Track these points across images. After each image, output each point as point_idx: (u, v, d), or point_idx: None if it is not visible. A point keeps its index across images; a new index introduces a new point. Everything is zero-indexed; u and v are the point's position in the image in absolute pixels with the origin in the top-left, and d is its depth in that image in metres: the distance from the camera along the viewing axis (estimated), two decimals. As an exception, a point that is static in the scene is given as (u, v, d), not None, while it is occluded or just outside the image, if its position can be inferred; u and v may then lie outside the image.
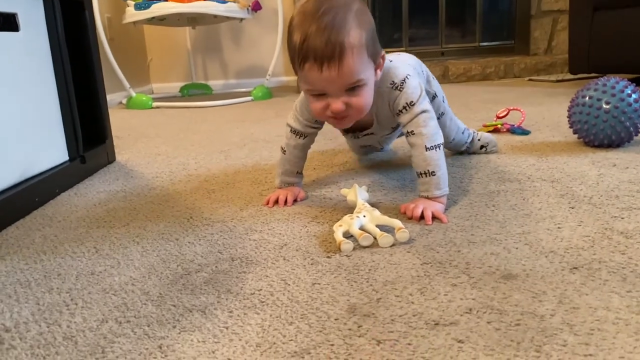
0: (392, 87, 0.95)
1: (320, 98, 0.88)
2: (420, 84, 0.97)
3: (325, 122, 1.00)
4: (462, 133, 1.24)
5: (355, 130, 1.07)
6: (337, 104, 0.86)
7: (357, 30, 0.82)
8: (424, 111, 0.94)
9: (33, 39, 1.15)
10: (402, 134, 1.05)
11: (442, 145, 0.94)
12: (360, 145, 1.23)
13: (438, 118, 1.12)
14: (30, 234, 0.94)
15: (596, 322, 0.55)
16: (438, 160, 0.93)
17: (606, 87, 1.24)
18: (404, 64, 1.00)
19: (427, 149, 0.92)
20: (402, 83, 0.95)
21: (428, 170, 0.92)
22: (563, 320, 0.56)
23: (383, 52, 0.92)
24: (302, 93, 1.01)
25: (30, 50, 1.14)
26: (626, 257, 0.69)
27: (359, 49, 0.83)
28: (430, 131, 0.93)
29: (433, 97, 1.11)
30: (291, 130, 1.06)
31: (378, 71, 0.92)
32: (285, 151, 1.07)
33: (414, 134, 0.94)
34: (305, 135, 1.05)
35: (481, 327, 0.56)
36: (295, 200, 1.04)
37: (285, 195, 1.03)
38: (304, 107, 1.03)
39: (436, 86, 1.15)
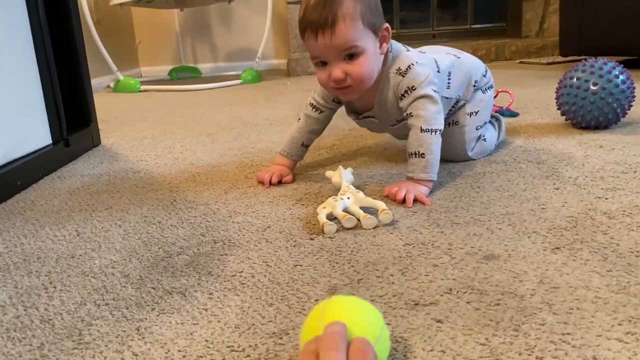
0: (397, 73, 0.97)
1: (323, 68, 0.93)
2: (429, 73, 0.97)
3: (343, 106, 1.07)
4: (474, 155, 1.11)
5: (356, 111, 1.07)
6: (336, 72, 0.90)
7: (351, 2, 0.88)
8: (424, 96, 0.95)
9: (12, 18, 1.13)
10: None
11: (439, 131, 0.94)
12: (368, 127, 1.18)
13: (448, 124, 1.07)
14: (11, 217, 0.93)
15: (575, 302, 0.55)
16: (431, 144, 0.92)
17: (594, 69, 1.24)
18: (417, 55, 1.00)
19: (422, 130, 0.93)
20: (407, 70, 0.96)
21: (418, 152, 0.92)
22: (543, 299, 0.56)
23: (386, 25, 0.94)
24: None
25: (9, 30, 1.12)
26: (608, 237, 0.69)
27: (352, 17, 0.88)
28: (428, 114, 0.93)
29: (456, 102, 1.08)
30: (311, 102, 1.09)
31: (384, 45, 0.94)
32: (299, 119, 1.10)
33: (412, 115, 0.95)
34: (322, 110, 1.08)
35: (461, 307, 0.55)
36: (280, 182, 1.03)
37: (271, 174, 1.03)
38: None
39: (474, 97, 1.09)
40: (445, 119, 1.06)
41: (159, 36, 3.61)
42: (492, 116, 1.23)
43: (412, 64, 0.97)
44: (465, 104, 1.09)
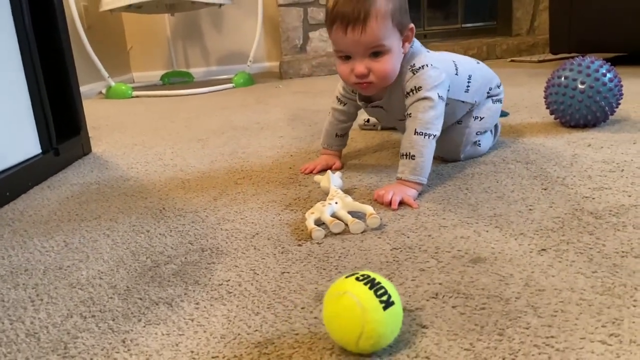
0: (410, 69, 0.98)
1: (346, 61, 0.95)
2: (442, 79, 0.97)
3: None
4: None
5: (367, 98, 1.08)
6: (360, 67, 0.93)
7: (383, 1, 0.90)
8: (426, 98, 0.95)
9: (-2, 29, 1.12)
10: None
11: (433, 136, 0.94)
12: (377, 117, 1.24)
13: (455, 123, 1.08)
14: (0, 229, 0.93)
15: (560, 304, 0.55)
16: (422, 147, 0.93)
17: (581, 67, 1.24)
18: (435, 58, 1.00)
19: (415, 132, 0.93)
20: (419, 69, 0.97)
21: (409, 153, 0.93)
22: (528, 302, 0.56)
23: (412, 25, 0.96)
24: None
25: (-4, 41, 1.11)
26: (594, 238, 0.70)
27: (384, 16, 0.90)
28: (425, 117, 0.94)
29: (471, 106, 1.08)
30: (337, 96, 1.14)
31: (407, 44, 0.97)
32: (329, 114, 1.16)
33: (410, 116, 0.96)
34: (345, 102, 1.13)
35: (446, 311, 0.56)
36: (329, 169, 1.08)
37: (315, 165, 1.11)
38: None
39: (484, 104, 1.10)
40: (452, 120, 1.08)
41: (151, 41, 3.61)
42: None
43: (427, 65, 0.97)
44: (474, 107, 1.09)
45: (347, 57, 0.95)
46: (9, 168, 1.11)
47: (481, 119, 1.09)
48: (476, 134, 1.09)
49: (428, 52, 1.02)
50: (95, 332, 0.58)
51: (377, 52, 0.92)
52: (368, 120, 1.47)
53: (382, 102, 1.04)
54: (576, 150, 1.10)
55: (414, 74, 0.97)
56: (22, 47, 1.19)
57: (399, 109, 1.02)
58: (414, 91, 0.96)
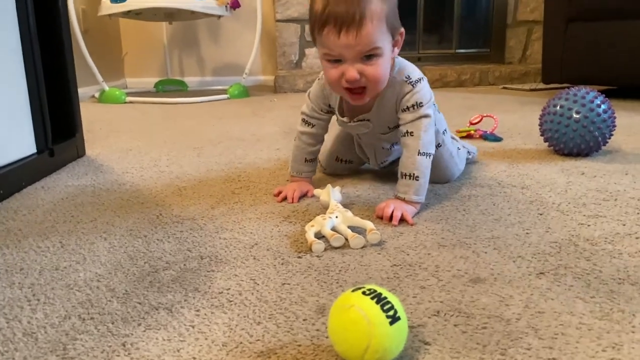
0: (406, 81, 0.95)
1: (336, 65, 0.89)
2: (431, 93, 0.97)
3: (334, 115, 1.06)
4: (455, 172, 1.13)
5: (350, 114, 1.03)
6: (352, 72, 0.87)
7: (378, 2, 0.85)
8: (427, 116, 0.95)
9: (1, 26, 1.12)
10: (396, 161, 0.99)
11: (432, 155, 0.95)
12: (356, 142, 1.14)
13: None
14: (-7, 227, 0.91)
15: (560, 327, 0.56)
16: (425, 168, 0.94)
17: (577, 97, 1.27)
18: (423, 76, 0.99)
19: (419, 153, 0.94)
20: (418, 82, 0.96)
21: (413, 174, 0.93)
22: (528, 324, 0.56)
23: (402, 29, 0.93)
24: (315, 82, 1.05)
25: (-1, 38, 1.11)
26: (591, 264, 0.71)
27: (379, 18, 0.85)
28: (427, 138, 0.94)
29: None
30: (302, 118, 1.09)
31: (396, 49, 0.93)
32: (295, 138, 1.11)
33: (412, 135, 0.95)
34: (313, 124, 1.08)
35: (448, 329, 0.56)
36: (305, 196, 1.05)
37: (293, 191, 1.03)
38: (317, 95, 1.06)
39: (437, 116, 1.06)
40: None
41: (146, 48, 3.60)
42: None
43: (423, 78, 0.96)
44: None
45: (336, 61, 0.89)
46: (3, 166, 1.10)
47: (445, 130, 1.07)
48: (452, 143, 1.10)
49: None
50: (95, 334, 0.57)
51: (370, 55, 0.87)
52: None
53: (371, 114, 1.00)
54: (570, 178, 1.12)
55: (414, 87, 0.95)
56: (24, 47, 1.18)
57: (385, 121, 1.00)
58: (416, 107, 0.94)
